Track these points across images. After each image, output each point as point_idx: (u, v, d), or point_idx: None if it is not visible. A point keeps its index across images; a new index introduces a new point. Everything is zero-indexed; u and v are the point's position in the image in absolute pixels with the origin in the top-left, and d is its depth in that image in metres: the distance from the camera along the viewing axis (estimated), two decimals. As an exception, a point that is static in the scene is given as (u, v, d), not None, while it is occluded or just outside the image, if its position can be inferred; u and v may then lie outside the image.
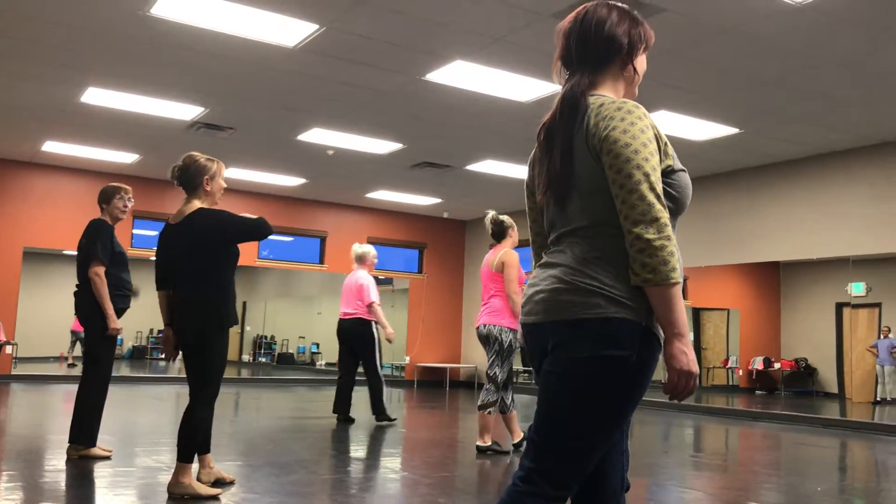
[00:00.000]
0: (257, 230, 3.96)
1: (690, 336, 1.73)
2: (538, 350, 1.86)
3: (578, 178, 1.81)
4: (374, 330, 7.65)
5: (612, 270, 1.74)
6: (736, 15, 5.69)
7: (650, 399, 10.97)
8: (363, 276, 7.77)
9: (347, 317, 7.70)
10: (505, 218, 6.16)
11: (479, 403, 5.83)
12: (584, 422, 1.75)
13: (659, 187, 1.72)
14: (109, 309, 4.86)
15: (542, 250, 2.00)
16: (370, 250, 8.01)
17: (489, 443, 5.85)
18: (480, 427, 5.84)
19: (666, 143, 1.81)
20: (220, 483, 4.19)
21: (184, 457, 3.86)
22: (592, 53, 1.89)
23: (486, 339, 5.85)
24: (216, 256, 3.94)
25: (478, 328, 5.92)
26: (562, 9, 5.66)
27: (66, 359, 15.30)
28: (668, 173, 1.80)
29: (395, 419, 7.73)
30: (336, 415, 7.63)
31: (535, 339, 1.86)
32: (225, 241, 3.95)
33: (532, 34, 6.14)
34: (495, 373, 5.78)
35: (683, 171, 1.86)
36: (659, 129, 1.81)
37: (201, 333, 3.91)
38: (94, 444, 4.90)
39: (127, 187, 5.20)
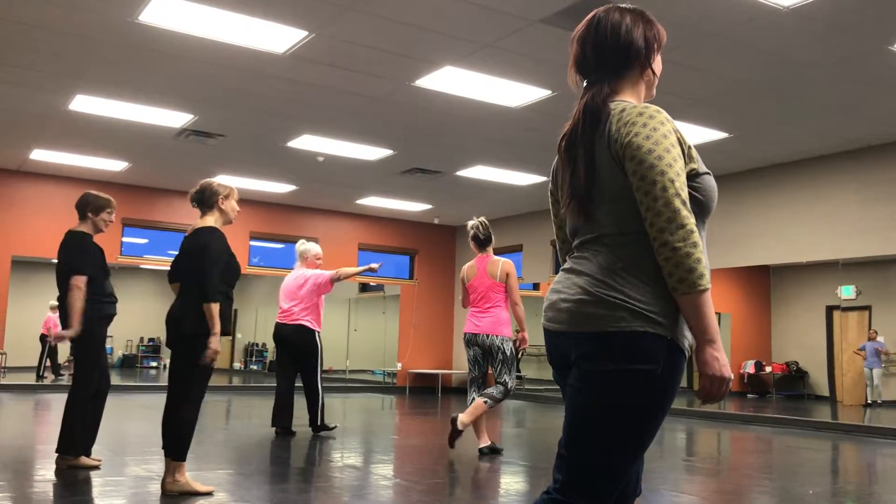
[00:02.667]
0: (201, 289, 4.13)
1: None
2: (559, 356, 1.85)
3: (601, 187, 1.79)
4: (318, 339, 7.06)
5: (638, 282, 1.72)
6: (723, 19, 5.72)
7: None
8: (307, 272, 7.11)
9: (287, 321, 7.03)
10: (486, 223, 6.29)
11: (482, 392, 6.00)
12: (611, 436, 1.73)
13: (684, 193, 1.70)
14: (79, 315, 4.77)
15: (567, 256, 1.97)
16: (312, 247, 7.31)
17: (488, 443, 6.02)
18: (472, 414, 5.90)
19: (690, 147, 1.79)
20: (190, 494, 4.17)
21: (178, 455, 4.09)
22: (611, 60, 1.87)
23: (490, 350, 6.01)
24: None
25: (476, 336, 6.00)
26: (549, 14, 5.67)
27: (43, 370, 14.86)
28: (692, 177, 1.79)
29: (335, 426, 7.24)
30: (274, 428, 7.01)
31: (557, 345, 1.84)
32: (192, 266, 4.22)
33: (521, 40, 6.15)
34: (505, 380, 6.00)
35: (708, 173, 1.84)
36: (682, 133, 1.79)
37: (194, 338, 4.12)
38: (82, 454, 4.86)
39: (112, 200, 5.18)
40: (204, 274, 4.14)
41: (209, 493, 4.14)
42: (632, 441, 1.74)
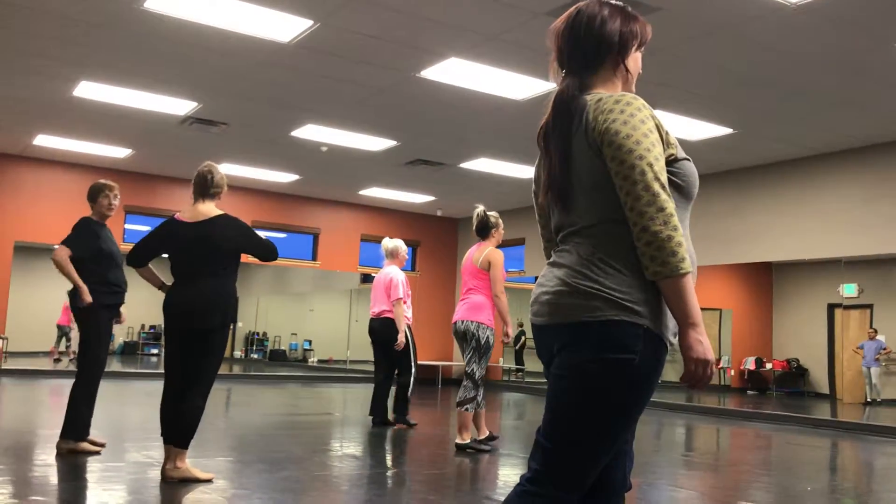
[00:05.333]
0: (271, 254, 4.37)
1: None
2: (545, 350, 1.86)
3: (579, 177, 1.80)
4: (406, 328, 7.19)
5: (614, 271, 1.73)
6: (730, 14, 5.70)
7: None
8: (394, 272, 7.24)
9: (377, 315, 7.25)
10: (492, 215, 6.07)
11: (457, 400, 5.80)
12: (589, 425, 1.74)
13: (663, 177, 1.70)
14: (79, 282, 4.84)
15: (553, 250, 1.99)
16: (402, 245, 7.54)
17: (468, 440, 5.76)
18: (459, 425, 5.79)
19: (667, 133, 1.79)
20: (187, 481, 4.17)
21: (182, 443, 4.10)
22: (582, 53, 1.87)
23: (464, 336, 5.82)
24: (233, 259, 4.32)
25: (455, 323, 5.88)
26: (556, 7, 5.65)
27: (54, 354, 15.25)
28: (671, 162, 1.79)
29: (414, 424, 7.18)
30: (371, 417, 7.24)
31: (543, 339, 1.86)
32: (244, 249, 4.34)
33: (526, 32, 6.13)
34: (473, 369, 5.78)
35: (688, 159, 1.84)
36: (659, 120, 1.79)
37: (213, 329, 4.16)
38: (82, 438, 4.88)
39: (112, 184, 5.23)
40: (260, 241, 4.34)
41: (209, 480, 4.15)
42: (607, 430, 1.75)
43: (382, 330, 7.19)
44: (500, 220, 6.13)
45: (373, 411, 7.21)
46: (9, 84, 8.09)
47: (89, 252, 4.95)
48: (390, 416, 7.22)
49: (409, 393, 7.20)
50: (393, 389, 7.31)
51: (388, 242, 7.52)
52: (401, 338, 7.09)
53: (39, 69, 7.58)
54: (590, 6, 1.89)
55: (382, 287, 7.22)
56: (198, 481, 4.11)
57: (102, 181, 5.23)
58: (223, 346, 4.25)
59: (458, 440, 5.78)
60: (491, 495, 4.26)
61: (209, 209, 4.32)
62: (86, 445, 4.87)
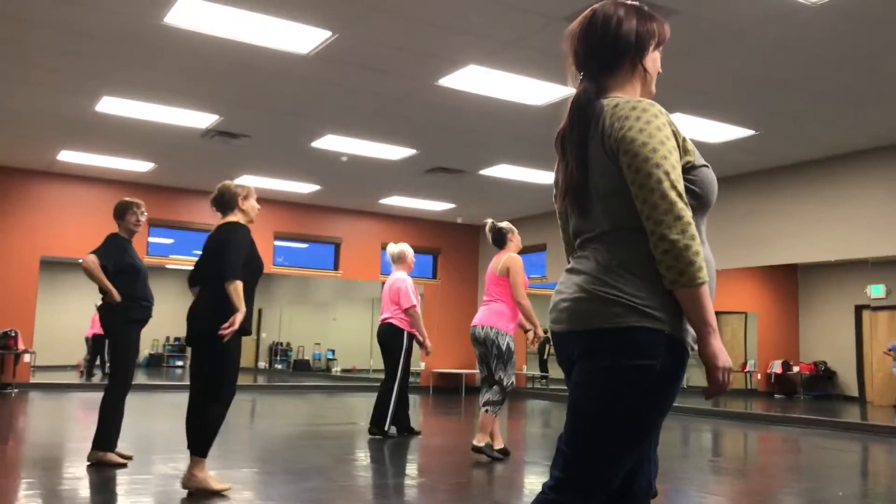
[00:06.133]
0: (225, 269, 4.13)
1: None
2: (565, 357, 1.85)
3: (596, 183, 1.78)
4: (405, 337, 6.98)
5: (634, 278, 1.71)
6: (750, 16, 5.65)
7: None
8: (400, 279, 7.06)
9: (382, 321, 7.09)
10: (504, 224, 6.12)
11: (482, 400, 5.79)
12: (610, 431, 1.73)
13: (680, 185, 1.69)
14: (107, 284, 4.94)
15: (571, 256, 1.97)
16: (408, 250, 7.33)
17: (482, 444, 5.71)
18: (481, 425, 5.78)
19: (684, 139, 1.77)
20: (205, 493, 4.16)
21: (198, 451, 4.12)
22: (599, 55, 1.85)
23: (483, 342, 5.81)
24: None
25: (474, 328, 5.86)
26: (573, 11, 5.63)
27: (81, 367, 15.33)
28: (688, 169, 1.77)
29: (392, 436, 6.94)
30: (390, 428, 6.95)
31: (562, 346, 1.85)
32: (214, 261, 4.21)
33: (545, 38, 6.12)
34: (500, 377, 5.76)
35: (706, 166, 1.82)
36: (676, 126, 1.77)
37: (214, 334, 4.09)
38: (111, 449, 4.93)
39: (139, 202, 5.36)
40: (225, 256, 4.15)
41: (224, 492, 4.13)
42: (629, 437, 1.73)
43: (385, 336, 7.05)
44: (514, 227, 6.16)
45: (393, 421, 6.97)
46: (32, 100, 8.20)
47: (117, 264, 5.04)
48: (404, 423, 7.07)
49: (393, 403, 6.91)
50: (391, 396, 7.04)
51: (394, 248, 7.34)
52: (428, 342, 7.01)
53: (62, 85, 7.67)
54: (605, 7, 1.87)
55: (388, 294, 7.08)
56: (212, 492, 4.09)
57: (128, 199, 5.35)
58: (227, 354, 4.16)
59: (475, 441, 5.75)
60: (517, 504, 4.24)
61: (225, 219, 4.41)
62: (112, 457, 4.91)
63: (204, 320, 4.16)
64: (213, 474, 4.25)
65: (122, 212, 5.25)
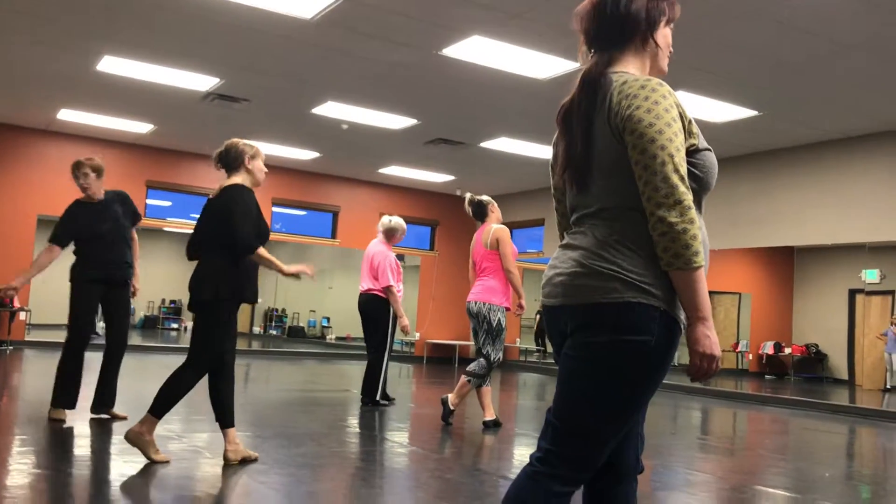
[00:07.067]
0: (240, 241, 3.98)
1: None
2: (557, 332, 1.85)
3: (599, 159, 1.78)
4: (390, 309, 6.98)
5: (632, 254, 1.72)
6: (758, -5, 5.61)
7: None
8: (382, 254, 6.98)
9: (363, 292, 7.07)
10: (483, 197, 6.18)
11: (466, 369, 5.90)
12: (601, 405, 1.74)
13: (683, 169, 1.69)
14: (33, 273, 5.26)
15: (565, 231, 1.98)
16: (400, 226, 7.17)
17: (453, 406, 5.94)
18: (457, 387, 5.94)
19: (690, 122, 1.77)
20: (245, 461, 4.11)
21: (154, 409, 3.97)
22: (609, 31, 1.85)
23: (476, 316, 5.90)
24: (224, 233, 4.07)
25: (469, 303, 5.95)
26: (581, -15, 5.58)
27: None
28: (692, 152, 1.77)
29: (385, 403, 7.01)
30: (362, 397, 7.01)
31: (555, 321, 1.85)
32: (220, 226, 4.05)
33: (550, 11, 6.07)
34: (488, 351, 5.85)
35: (709, 150, 1.83)
36: (683, 108, 1.77)
37: (214, 303, 4.02)
38: (67, 406, 5.08)
39: (82, 160, 5.18)
40: (235, 227, 3.94)
41: (160, 462, 3.95)
42: (619, 411, 1.75)
43: (367, 306, 7.04)
44: (492, 199, 6.22)
45: (365, 392, 6.95)
46: (33, 58, 8.13)
47: (76, 236, 5.13)
48: (385, 394, 7.10)
49: (382, 374, 6.96)
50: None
51: (387, 220, 7.19)
52: (404, 321, 6.93)
53: (62, 44, 7.61)
54: None
55: (368, 265, 7.04)
56: (149, 459, 3.96)
57: (78, 159, 5.20)
58: (220, 324, 4.06)
59: (449, 395, 6.00)
60: (507, 474, 4.28)
61: (230, 180, 4.18)
62: (56, 413, 5.02)
63: (203, 289, 4.02)
64: (155, 441, 4.04)
65: (72, 174, 5.18)
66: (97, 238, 5.13)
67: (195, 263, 4.17)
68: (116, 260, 5.19)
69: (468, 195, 6.21)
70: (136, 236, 5.45)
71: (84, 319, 5.15)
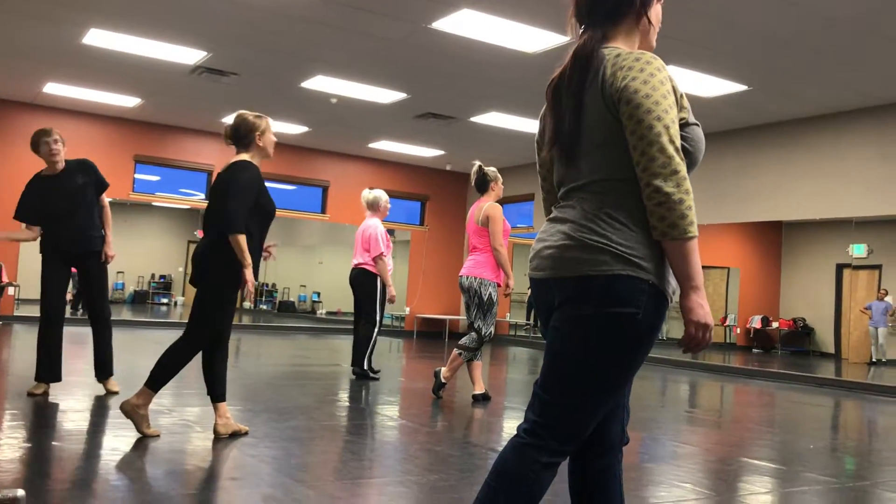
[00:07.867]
0: (226, 221, 3.92)
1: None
2: (545, 305, 1.86)
3: (589, 132, 1.78)
4: (378, 282, 7.16)
5: (622, 226, 1.73)
6: (749, -31, 5.58)
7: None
8: (373, 226, 7.18)
9: (355, 266, 7.26)
10: (490, 170, 6.16)
11: (458, 342, 5.99)
12: (589, 378, 1.76)
13: (678, 141, 1.70)
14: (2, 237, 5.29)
15: (552, 206, 1.98)
16: (382, 196, 7.38)
17: (444, 380, 6.05)
18: (449, 360, 6.01)
19: (682, 96, 1.79)
20: (236, 435, 4.13)
21: (151, 383, 3.98)
22: (604, 7, 1.85)
23: (468, 291, 5.96)
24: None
25: (461, 278, 6.03)
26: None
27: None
28: (682, 126, 1.78)
29: (374, 375, 7.12)
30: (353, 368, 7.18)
31: (543, 294, 1.86)
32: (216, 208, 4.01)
33: (541, -16, 6.03)
34: (479, 325, 5.91)
35: (697, 124, 1.84)
36: (675, 82, 1.78)
37: (216, 280, 4.03)
38: (42, 380, 5.09)
39: (49, 129, 5.17)
40: (225, 204, 3.90)
41: (151, 436, 3.98)
42: (606, 383, 1.77)
43: (357, 281, 7.23)
44: (499, 175, 6.21)
45: (355, 362, 7.15)
46: (18, 31, 8.03)
47: (37, 212, 5.13)
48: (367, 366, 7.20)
49: (372, 345, 7.14)
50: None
51: (368, 193, 7.40)
52: (391, 291, 7.17)
53: (49, 16, 7.51)
54: None
55: (360, 240, 7.24)
56: (142, 433, 3.99)
57: (41, 128, 5.19)
58: (217, 304, 4.07)
59: (441, 369, 6.10)
60: (496, 447, 4.32)
61: (238, 156, 4.13)
62: (36, 388, 5.03)
63: (202, 267, 4.02)
64: (148, 415, 4.06)
65: (35, 144, 5.12)
66: (57, 215, 5.11)
67: (189, 239, 4.16)
68: (81, 232, 5.15)
69: (477, 164, 6.19)
70: (106, 203, 5.39)
71: (52, 292, 5.15)
